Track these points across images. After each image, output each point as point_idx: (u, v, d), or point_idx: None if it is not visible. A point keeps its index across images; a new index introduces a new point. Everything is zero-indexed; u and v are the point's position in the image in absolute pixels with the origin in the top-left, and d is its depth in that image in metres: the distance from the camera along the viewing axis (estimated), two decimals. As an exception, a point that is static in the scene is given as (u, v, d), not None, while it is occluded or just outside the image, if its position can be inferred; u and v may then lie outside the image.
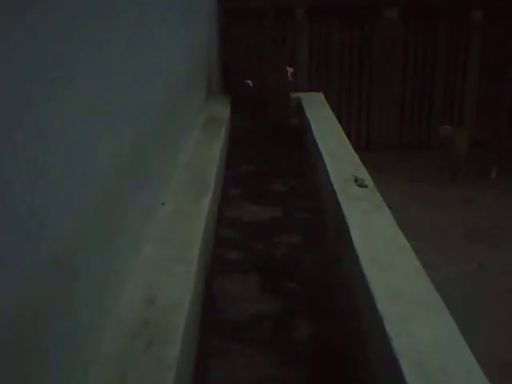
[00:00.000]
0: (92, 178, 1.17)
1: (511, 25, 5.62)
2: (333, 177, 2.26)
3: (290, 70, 3.69)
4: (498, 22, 5.62)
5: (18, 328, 0.82)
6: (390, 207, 1.96)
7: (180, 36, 2.53)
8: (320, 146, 2.65)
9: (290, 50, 5.39)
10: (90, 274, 1.14)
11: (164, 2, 2.15)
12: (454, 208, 4.67)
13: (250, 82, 3.68)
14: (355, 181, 2.22)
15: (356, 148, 2.71)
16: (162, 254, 1.62)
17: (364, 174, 2.30)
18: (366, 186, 2.18)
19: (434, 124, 5.80)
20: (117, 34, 1.42)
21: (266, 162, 3.13)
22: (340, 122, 3.34)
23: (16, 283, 0.81)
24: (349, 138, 2.89)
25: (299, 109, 3.63)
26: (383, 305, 1.36)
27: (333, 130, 3.03)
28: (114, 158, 1.34)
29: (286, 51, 5.13)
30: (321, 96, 3.97)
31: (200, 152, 2.57)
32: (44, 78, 0.92)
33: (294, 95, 3.78)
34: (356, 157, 2.52)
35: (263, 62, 4.05)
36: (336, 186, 2.16)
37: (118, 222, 1.37)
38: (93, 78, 1.20)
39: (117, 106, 1.39)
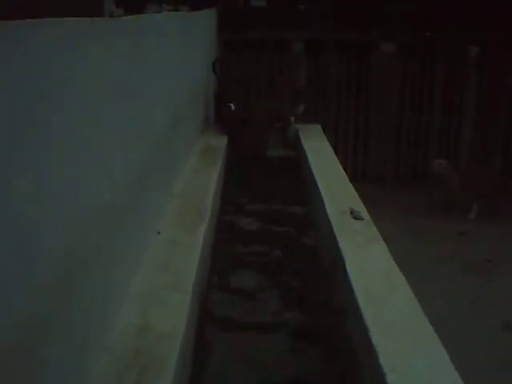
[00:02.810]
0: (85, 206, 1.17)
1: (509, 61, 5.68)
2: (329, 209, 2.26)
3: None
4: (495, 59, 5.68)
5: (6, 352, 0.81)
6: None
7: (180, 68, 2.54)
8: (316, 177, 2.65)
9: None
10: (82, 301, 1.13)
11: (165, 37, 2.17)
12: (449, 241, 4.68)
13: (232, 105, 3.69)
14: (351, 213, 2.23)
15: (352, 180, 2.72)
16: (156, 282, 1.61)
17: (360, 206, 2.31)
18: (362, 219, 2.19)
19: (429, 157, 5.82)
20: (116, 65, 1.43)
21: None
22: (336, 153, 3.36)
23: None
24: (345, 170, 2.90)
25: (296, 140, 3.65)
26: (378, 338, 1.35)
27: (329, 162, 3.05)
28: (109, 184, 1.34)
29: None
30: (318, 128, 3.99)
31: (196, 181, 2.57)
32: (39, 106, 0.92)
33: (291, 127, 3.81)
34: (352, 189, 2.53)
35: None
36: (332, 218, 2.16)
37: (112, 248, 1.37)
38: (89, 105, 1.21)
39: (114, 133, 1.39)
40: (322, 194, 2.40)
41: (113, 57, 1.40)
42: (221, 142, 3.41)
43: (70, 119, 1.06)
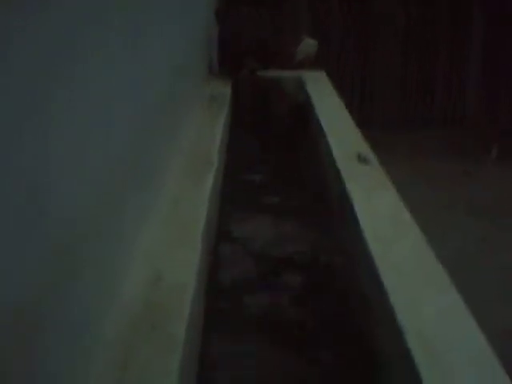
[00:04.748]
0: (91, 165, 1.16)
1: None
2: (336, 154, 2.25)
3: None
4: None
5: (19, 316, 0.81)
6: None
7: (180, 17, 2.50)
8: (322, 123, 2.63)
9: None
10: (91, 261, 1.13)
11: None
12: (456, 183, 4.67)
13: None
14: (358, 157, 2.21)
15: (359, 126, 2.70)
16: (165, 235, 1.61)
17: (367, 151, 2.29)
18: (370, 163, 2.17)
19: (436, 102, 5.77)
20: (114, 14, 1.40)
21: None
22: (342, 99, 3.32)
23: (17, 272, 0.80)
24: (352, 116, 2.87)
25: (301, 87, 3.60)
26: (388, 279, 1.35)
27: (335, 108, 3.01)
28: (112, 142, 1.32)
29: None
30: (323, 74, 3.94)
31: (202, 132, 2.55)
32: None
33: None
34: (359, 134, 2.50)
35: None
36: (339, 163, 2.15)
37: (118, 207, 1.36)
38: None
39: (116, 87, 1.37)
40: (329, 139, 2.38)
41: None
42: (226, 90, 3.38)
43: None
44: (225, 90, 3.41)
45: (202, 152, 2.31)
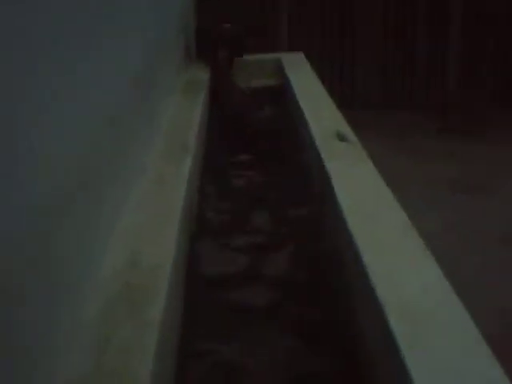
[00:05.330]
0: (65, 152, 1.13)
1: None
2: (315, 133, 2.23)
3: None
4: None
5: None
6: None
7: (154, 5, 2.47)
8: (301, 103, 2.61)
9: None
10: (67, 242, 1.12)
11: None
12: (440, 160, 4.69)
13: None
14: (338, 135, 2.20)
15: (339, 107, 2.68)
16: (143, 217, 1.59)
17: (346, 129, 2.27)
18: (349, 141, 2.16)
19: (418, 81, 5.78)
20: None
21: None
22: (323, 81, 3.30)
23: None
24: (332, 98, 2.85)
25: (279, 69, 3.58)
26: (368, 256, 1.34)
27: (313, 88, 3.00)
28: (86, 127, 1.30)
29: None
30: (301, 55, 3.92)
31: (180, 115, 2.53)
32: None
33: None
34: (338, 112, 2.49)
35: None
36: (318, 142, 2.13)
37: (96, 186, 1.34)
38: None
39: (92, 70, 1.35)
40: (307, 118, 2.37)
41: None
42: (203, 76, 3.35)
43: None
44: (203, 75, 3.38)
45: (179, 137, 2.28)
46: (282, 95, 3.35)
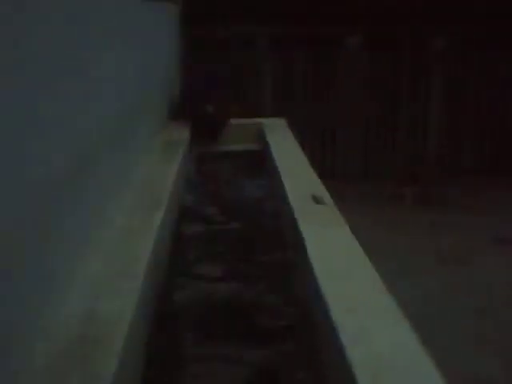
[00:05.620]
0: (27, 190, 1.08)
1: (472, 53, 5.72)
2: (290, 195, 2.20)
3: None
4: (459, 51, 5.71)
5: None
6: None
7: (133, 58, 2.46)
8: (278, 165, 2.59)
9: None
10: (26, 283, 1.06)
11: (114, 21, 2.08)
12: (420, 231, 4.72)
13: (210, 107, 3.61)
14: (313, 198, 2.16)
15: (320, 177, 2.65)
16: (106, 269, 1.53)
17: (323, 192, 2.24)
18: (325, 204, 2.12)
19: (398, 151, 5.84)
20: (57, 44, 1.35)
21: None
22: (304, 149, 3.29)
23: None
24: (312, 167, 2.82)
25: (260, 133, 3.58)
26: (338, 315, 1.29)
27: (292, 152, 2.99)
28: (50, 168, 1.25)
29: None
30: (283, 121, 3.93)
31: (155, 171, 2.49)
32: None
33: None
34: (315, 175, 2.47)
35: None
36: (294, 204, 2.10)
37: (56, 233, 1.28)
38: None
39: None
40: (284, 181, 2.34)
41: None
42: (184, 136, 3.34)
43: None
44: (183, 133, 3.36)
45: (153, 191, 2.24)
46: (262, 159, 3.33)
